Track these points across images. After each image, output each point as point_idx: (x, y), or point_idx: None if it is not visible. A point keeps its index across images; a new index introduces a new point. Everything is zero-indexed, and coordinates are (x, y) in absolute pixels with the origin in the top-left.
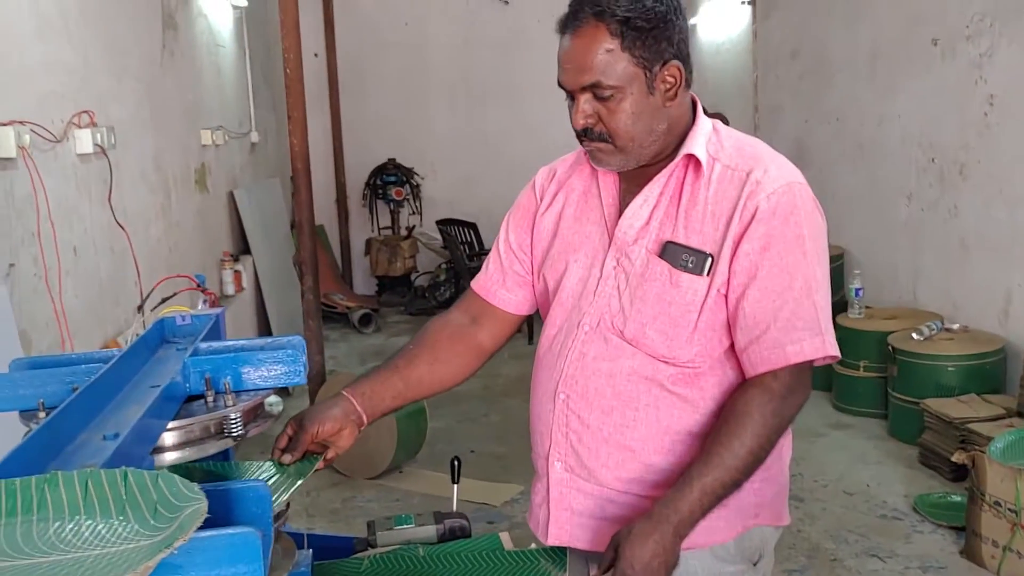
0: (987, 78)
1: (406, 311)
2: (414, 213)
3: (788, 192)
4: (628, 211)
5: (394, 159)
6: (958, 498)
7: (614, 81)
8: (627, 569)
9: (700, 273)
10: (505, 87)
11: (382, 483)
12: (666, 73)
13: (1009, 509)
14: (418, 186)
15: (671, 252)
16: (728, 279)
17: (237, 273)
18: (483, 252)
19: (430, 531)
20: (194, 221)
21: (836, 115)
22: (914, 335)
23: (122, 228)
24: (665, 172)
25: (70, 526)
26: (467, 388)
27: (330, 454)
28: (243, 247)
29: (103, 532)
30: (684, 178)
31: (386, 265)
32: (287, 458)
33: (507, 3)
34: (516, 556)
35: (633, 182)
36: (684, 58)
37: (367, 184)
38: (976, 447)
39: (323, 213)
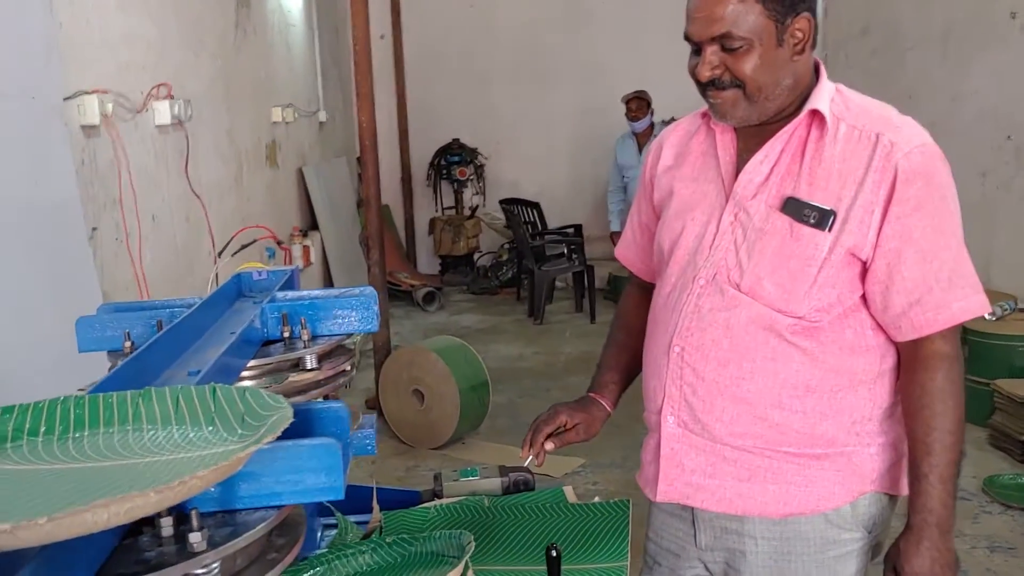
0: None
1: (468, 290)
2: (477, 193)
3: (925, 152)
4: (749, 166)
5: (458, 139)
6: None
7: (745, 32)
8: None
9: (822, 229)
10: (569, 68)
11: (445, 453)
12: (796, 26)
13: None
14: (482, 166)
15: (793, 207)
16: (874, 243)
17: (306, 248)
18: (546, 231)
19: (495, 483)
20: (265, 195)
21: (908, 93)
22: (987, 315)
23: (198, 198)
24: (788, 128)
25: (164, 433)
26: (529, 364)
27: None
28: (311, 223)
29: (194, 438)
30: (807, 136)
31: (449, 244)
32: (550, 445)
33: None
34: (579, 508)
35: (752, 140)
36: (814, 11)
37: (431, 164)
38: None
39: (388, 193)
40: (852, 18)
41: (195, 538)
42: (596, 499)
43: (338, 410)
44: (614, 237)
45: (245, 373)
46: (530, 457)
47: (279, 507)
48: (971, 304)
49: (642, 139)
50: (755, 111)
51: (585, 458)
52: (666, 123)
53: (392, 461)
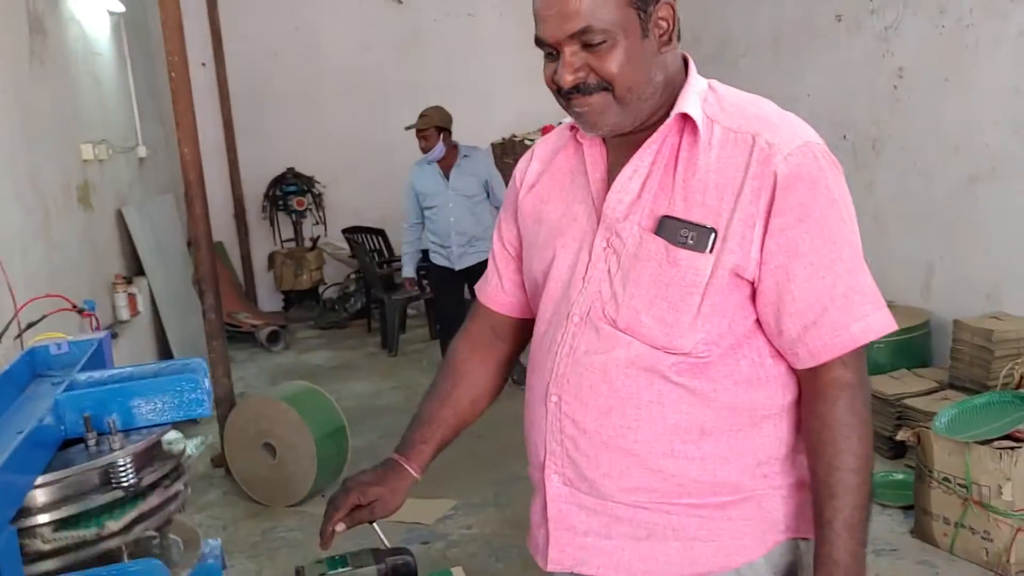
0: (894, 51)
1: (316, 325)
2: (318, 223)
3: (807, 153)
4: (616, 184)
5: (293, 168)
6: (900, 476)
7: (605, 25)
8: None
9: (702, 250)
10: (404, 88)
11: (304, 510)
12: (659, 15)
13: (959, 484)
14: (320, 195)
15: (668, 227)
16: (758, 260)
17: (131, 296)
18: (393, 259)
19: (370, 574)
20: (79, 242)
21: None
22: None
23: None
24: (656, 137)
25: None
26: (388, 401)
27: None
28: (136, 268)
29: None
30: (679, 144)
31: (292, 279)
32: (340, 527)
33: (401, 2)
34: None
35: (622, 152)
36: None
37: (266, 196)
38: (915, 423)
39: (221, 230)
40: (684, 26)
41: None
42: None
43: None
44: (409, 284)
45: (37, 494)
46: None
47: None
48: (872, 324)
49: (445, 165)
50: (628, 115)
51: (455, 499)
52: (495, 145)
53: (245, 525)
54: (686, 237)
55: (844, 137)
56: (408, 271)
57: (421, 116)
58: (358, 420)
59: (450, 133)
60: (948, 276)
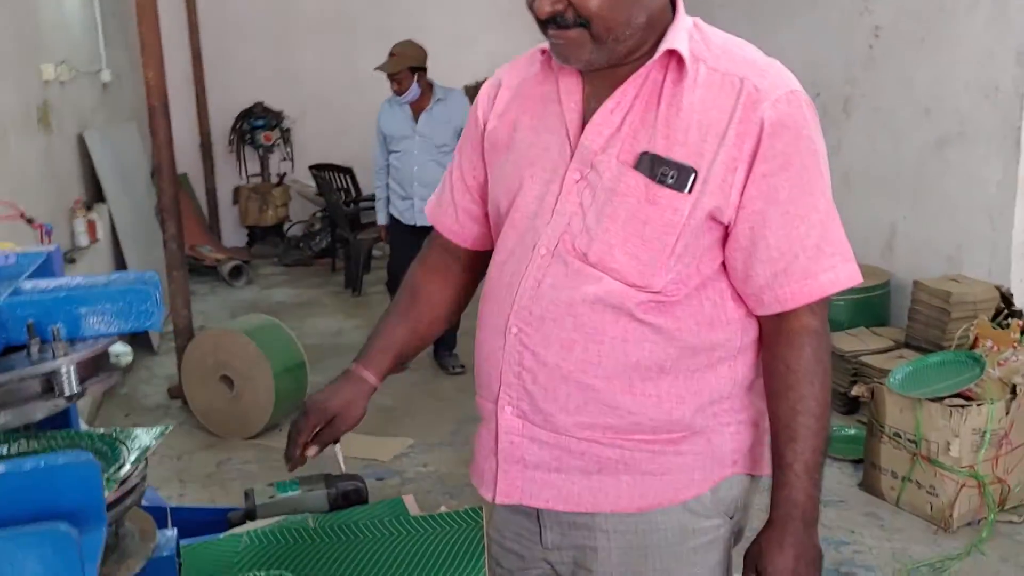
0: (872, 9)
1: (279, 262)
2: (285, 159)
3: (794, 101)
4: (596, 116)
5: (262, 102)
6: (852, 431)
7: None
8: None
9: (682, 190)
10: (379, 27)
11: (260, 442)
12: None
13: (909, 440)
14: (288, 130)
15: (648, 164)
16: (736, 203)
17: (91, 222)
18: (360, 198)
19: (320, 497)
20: (38, 164)
21: None
22: None
23: None
24: (642, 72)
25: None
26: (350, 339)
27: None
28: (97, 195)
29: None
30: (663, 80)
31: (257, 214)
32: (311, 450)
33: None
34: (424, 522)
35: (601, 85)
36: None
37: (233, 129)
38: (870, 379)
39: (186, 161)
40: None
41: None
42: (443, 509)
43: (84, 467)
44: (384, 234)
45: None
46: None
47: None
48: (840, 275)
49: (416, 107)
50: (603, 54)
51: (412, 437)
52: (469, 88)
53: (200, 456)
54: (666, 175)
55: (817, 95)
56: (382, 218)
57: (391, 56)
58: (319, 357)
59: (424, 71)
60: (910, 238)
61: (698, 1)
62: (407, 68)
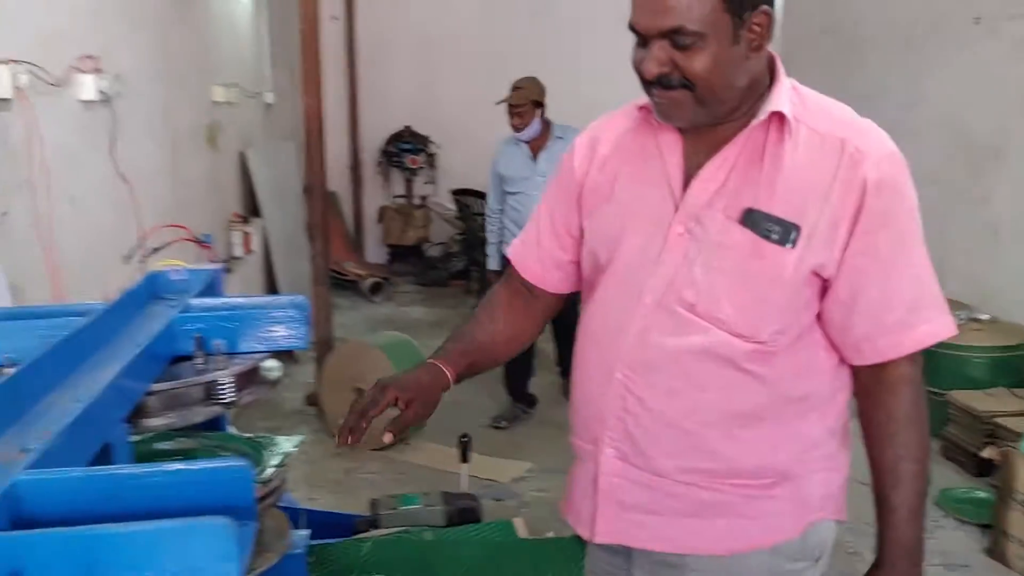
0: None
1: (417, 281)
2: (429, 182)
3: (895, 161)
4: (704, 172)
5: (410, 127)
6: (983, 494)
7: (698, 27)
8: None
9: (784, 245)
10: (526, 56)
11: (386, 454)
12: (754, 21)
13: None
14: (433, 155)
15: (754, 220)
16: (839, 260)
17: (247, 235)
18: None
19: (437, 513)
20: (203, 179)
21: (865, 93)
22: None
23: (125, 181)
24: (746, 132)
25: None
26: None
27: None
28: (253, 209)
29: None
30: (765, 140)
31: (399, 234)
32: (388, 437)
33: None
34: (531, 545)
35: (701, 142)
36: (772, 2)
37: (382, 151)
38: (1004, 442)
39: (337, 180)
40: (813, 16)
41: None
42: (550, 534)
43: (239, 471)
44: (491, 278)
45: (149, 399)
46: (464, 476)
47: None
48: (937, 327)
49: (535, 146)
50: (705, 114)
51: (531, 462)
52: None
53: (330, 463)
54: (771, 231)
55: (965, 144)
56: (494, 263)
57: (515, 89)
58: None
59: (544, 108)
60: None
61: (852, 42)
62: (531, 102)
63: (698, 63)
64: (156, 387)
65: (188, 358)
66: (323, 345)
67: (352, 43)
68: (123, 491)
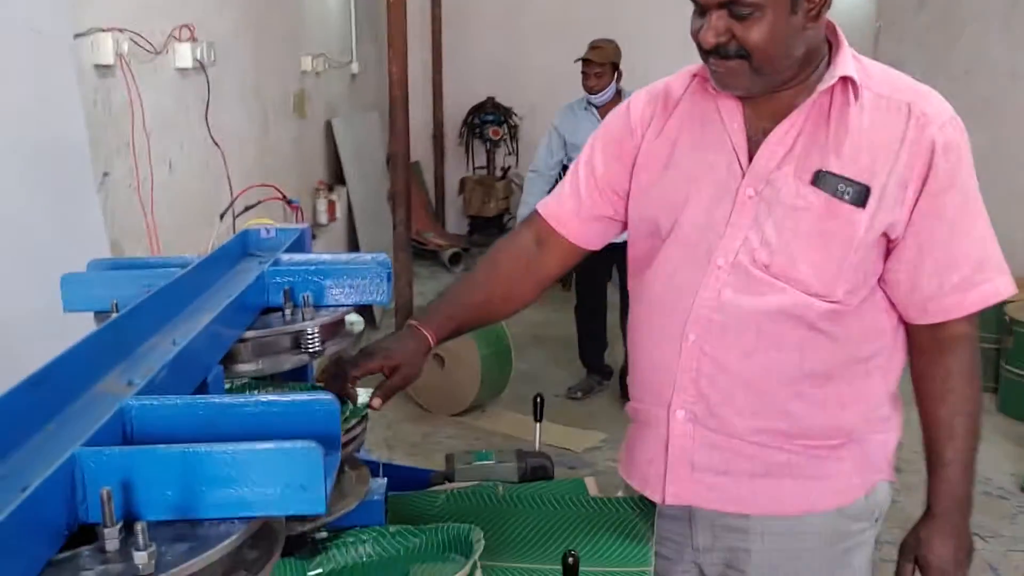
0: None
1: None
2: (510, 154)
3: (957, 125)
4: (773, 136)
5: (493, 98)
6: None
7: None
8: (940, 574)
9: (858, 205)
10: (608, 28)
11: (463, 420)
12: None
13: None
14: (516, 126)
15: (826, 180)
16: (906, 220)
17: (331, 202)
18: None
19: (511, 469)
20: (290, 147)
21: (964, 69)
22: None
23: (218, 147)
24: (814, 96)
25: None
26: (555, 332)
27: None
28: (338, 177)
29: None
30: (830, 104)
31: (479, 205)
32: (376, 402)
33: None
34: (601, 503)
35: (762, 108)
36: None
37: (464, 122)
38: None
39: (419, 150)
40: None
41: (141, 558)
42: (619, 493)
43: (328, 404)
44: None
45: (240, 346)
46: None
47: (246, 519)
48: (999, 286)
49: (603, 112)
50: (760, 83)
51: (605, 432)
52: None
53: (407, 427)
54: (844, 192)
55: None
56: None
57: (594, 48)
58: (525, 346)
59: (621, 75)
60: None
61: (948, 14)
62: (610, 63)
63: (755, 33)
64: (248, 335)
65: (276, 310)
66: (403, 311)
67: (437, 14)
68: (219, 418)
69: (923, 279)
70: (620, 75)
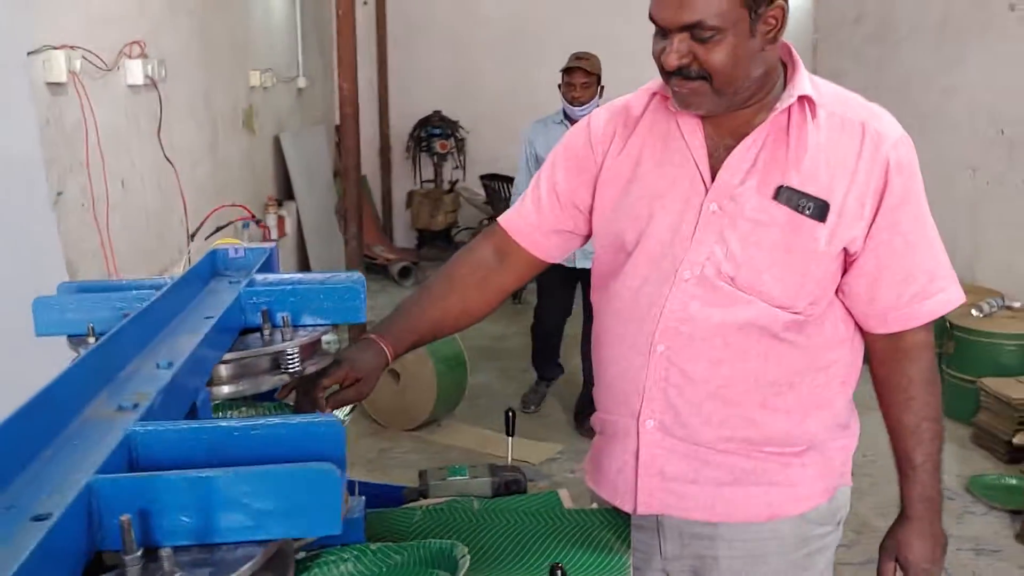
0: None
1: None
2: (457, 167)
3: (908, 143)
4: (736, 152)
5: (440, 111)
6: (1014, 480)
7: (717, 21)
8: (920, 572)
9: (819, 220)
10: (556, 42)
11: (419, 435)
12: (770, 14)
13: None
14: (463, 140)
15: (788, 196)
16: (865, 235)
17: (281, 218)
18: None
19: (485, 484)
20: (241, 162)
21: (899, 83)
22: (973, 311)
23: (171, 164)
24: (774, 114)
25: None
26: (509, 344)
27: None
28: (287, 193)
29: None
30: (788, 122)
31: (427, 218)
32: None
33: None
34: (576, 515)
35: (722, 126)
36: None
37: (411, 136)
38: None
39: (366, 164)
40: (846, 5)
41: None
42: (594, 505)
43: (334, 426)
44: None
45: (221, 367)
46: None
47: (263, 542)
48: (951, 295)
49: None
50: (721, 103)
51: (561, 444)
52: None
53: (364, 442)
54: (805, 207)
55: (1001, 132)
56: None
57: (581, 58)
58: (478, 359)
59: (603, 89)
60: None
61: (884, 30)
62: (597, 75)
63: (717, 56)
64: (228, 356)
65: (254, 330)
66: (356, 327)
67: (382, 28)
68: (226, 442)
69: (882, 291)
70: (603, 90)
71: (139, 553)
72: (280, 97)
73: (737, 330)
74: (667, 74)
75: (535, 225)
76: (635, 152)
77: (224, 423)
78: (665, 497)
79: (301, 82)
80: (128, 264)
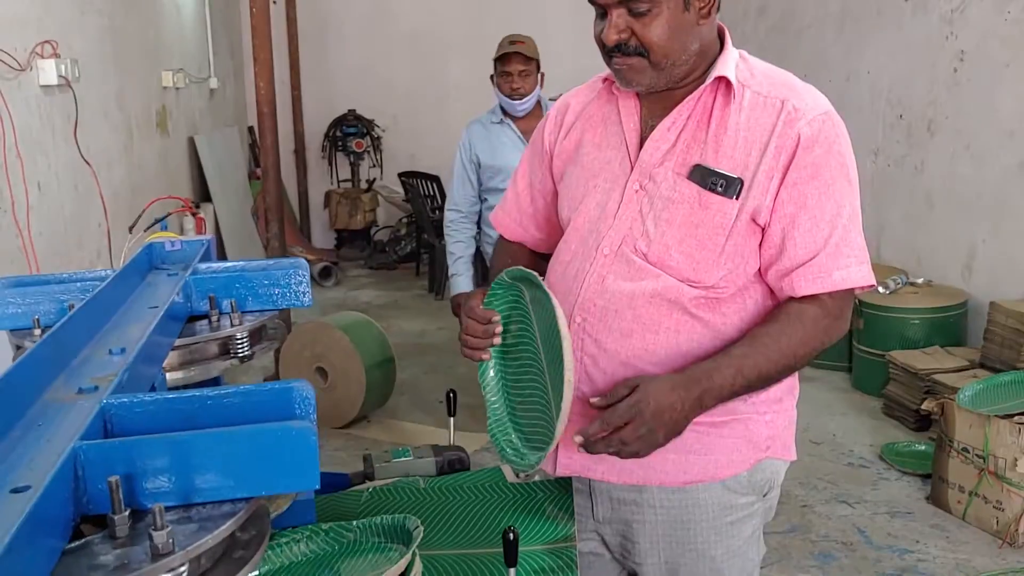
0: (958, 34)
1: (366, 265)
2: (374, 166)
3: (828, 120)
4: (656, 133)
5: (354, 110)
6: (922, 447)
7: None
8: (642, 404)
9: (731, 197)
10: (470, 39)
11: (349, 432)
12: None
13: (977, 455)
14: (379, 138)
15: (700, 174)
16: (771, 207)
17: (199, 219)
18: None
19: (429, 463)
20: (156, 164)
21: (803, 71)
22: (880, 289)
23: (88, 165)
24: (694, 96)
25: None
26: (433, 340)
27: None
28: (203, 195)
29: None
30: (713, 103)
31: (346, 218)
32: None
33: None
34: (520, 488)
35: (656, 106)
36: None
37: (326, 136)
38: (942, 397)
39: (281, 164)
40: None
41: (160, 537)
42: (536, 478)
43: (304, 390)
44: (457, 302)
45: (172, 354)
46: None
47: (245, 499)
48: (852, 274)
49: (525, 125)
50: (661, 78)
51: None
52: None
53: None
54: (716, 184)
55: (900, 116)
56: (464, 283)
57: (517, 42)
58: (404, 355)
59: (543, 76)
60: (990, 259)
61: (787, 20)
62: (537, 61)
63: (653, 30)
64: (179, 342)
65: (200, 317)
66: (281, 326)
67: (293, 27)
68: (200, 410)
69: (782, 261)
70: (543, 77)
71: (127, 513)
72: (193, 98)
73: (646, 302)
74: (608, 54)
75: (518, 221)
76: (578, 136)
77: (197, 392)
78: (583, 460)
79: (213, 83)
80: (49, 267)
